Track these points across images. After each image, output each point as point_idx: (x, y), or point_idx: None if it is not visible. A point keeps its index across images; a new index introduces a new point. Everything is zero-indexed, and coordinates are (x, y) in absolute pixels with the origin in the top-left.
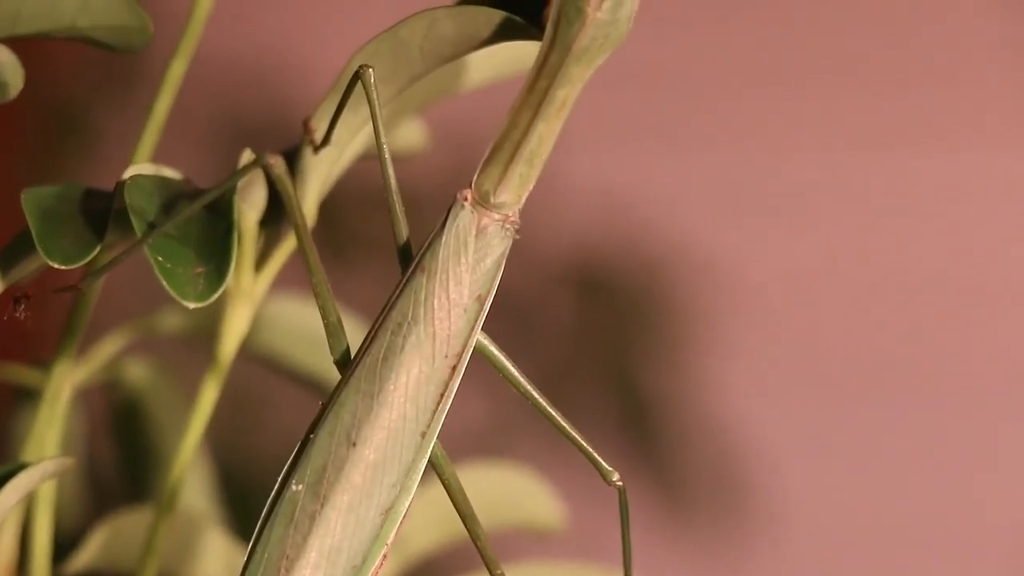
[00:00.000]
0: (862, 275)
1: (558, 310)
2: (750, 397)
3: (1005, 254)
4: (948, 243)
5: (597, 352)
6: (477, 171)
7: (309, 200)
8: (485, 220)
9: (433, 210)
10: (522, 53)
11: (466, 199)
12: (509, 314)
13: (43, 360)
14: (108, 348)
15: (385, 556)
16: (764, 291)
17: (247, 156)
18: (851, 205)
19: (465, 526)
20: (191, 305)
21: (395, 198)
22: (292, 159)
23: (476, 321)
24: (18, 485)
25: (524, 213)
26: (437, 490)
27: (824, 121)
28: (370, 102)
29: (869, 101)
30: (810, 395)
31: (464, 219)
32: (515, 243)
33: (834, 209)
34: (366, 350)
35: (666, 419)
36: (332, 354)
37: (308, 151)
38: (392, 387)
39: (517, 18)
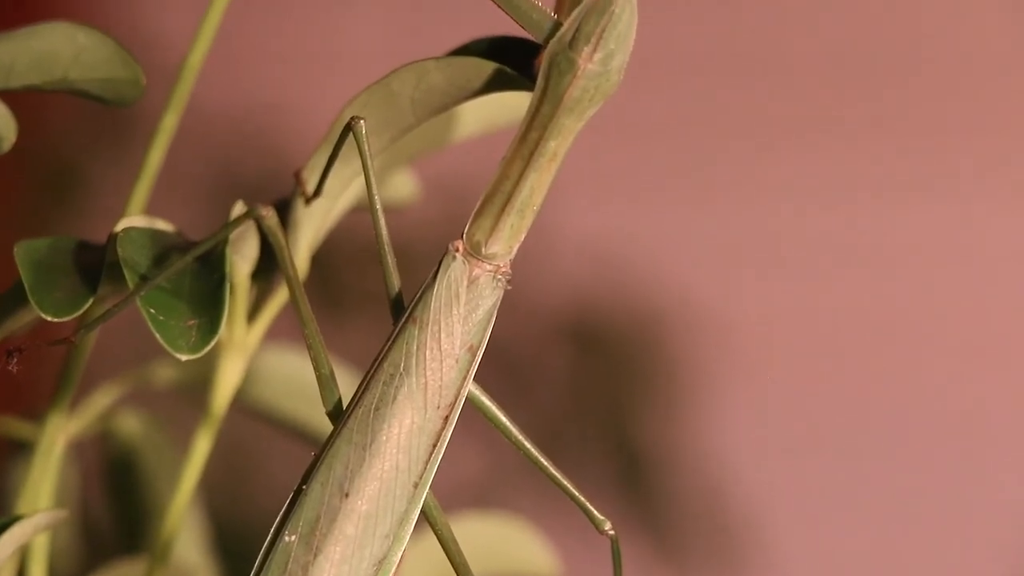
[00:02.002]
0: (857, 328)
1: (551, 361)
2: (743, 448)
3: (1000, 306)
4: (944, 295)
5: (590, 403)
6: (468, 222)
7: (301, 252)
8: (477, 271)
9: (425, 261)
10: (513, 104)
11: (457, 250)
12: (502, 365)
13: (37, 412)
14: (101, 400)
15: None
16: (758, 343)
17: (239, 208)
18: (846, 259)
19: None
20: (184, 357)
21: (387, 249)
22: (284, 211)
23: (468, 371)
24: (12, 537)
25: (517, 264)
26: (430, 540)
27: (819, 175)
28: (361, 154)
29: (861, 156)
30: (804, 447)
31: (456, 270)
32: (508, 294)
33: (830, 263)
34: (358, 401)
35: (659, 469)
36: (324, 405)
37: (300, 203)
38: (384, 438)
39: (508, 69)
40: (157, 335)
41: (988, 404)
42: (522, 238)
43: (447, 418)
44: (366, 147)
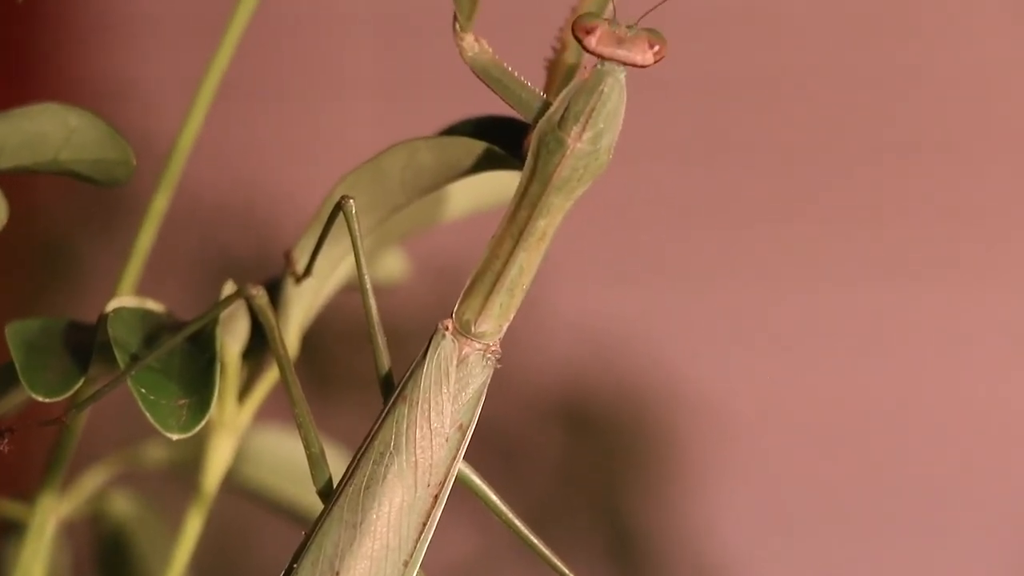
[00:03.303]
0: (849, 409)
1: (542, 440)
2: (735, 527)
3: (990, 387)
4: (936, 376)
5: (582, 482)
6: (458, 301)
7: (291, 331)
8: (466, 349)
9: (415, 340)
10: (502, 183)
11: (447, 328)
12: (493, 444)
13: (28, 493)
14: (93, 480)
15: None
16: (749, 423)
17: (229, 287)
18: (838, 340)
19: None
20: (174, 437)
21: (377, 328)
22: (274, 291)
23: (458, 450)
24: None
25: (508, 343)
26: None
27: (812, 259)
28: (351, 233)
29: (856, 240)
30: (795, 527)
31: (445, 348)
32: (499, 373)
33: (821, 344)
34: (348, 480)
35: (651, 549)
36: (315, 484)
37: (290, 282)
38: (375, 516)
39: (497, 148)
40: (148, 415)
41: (983, 483)
42: (512, 317)
43: (437, 496)
44: (356, 226)
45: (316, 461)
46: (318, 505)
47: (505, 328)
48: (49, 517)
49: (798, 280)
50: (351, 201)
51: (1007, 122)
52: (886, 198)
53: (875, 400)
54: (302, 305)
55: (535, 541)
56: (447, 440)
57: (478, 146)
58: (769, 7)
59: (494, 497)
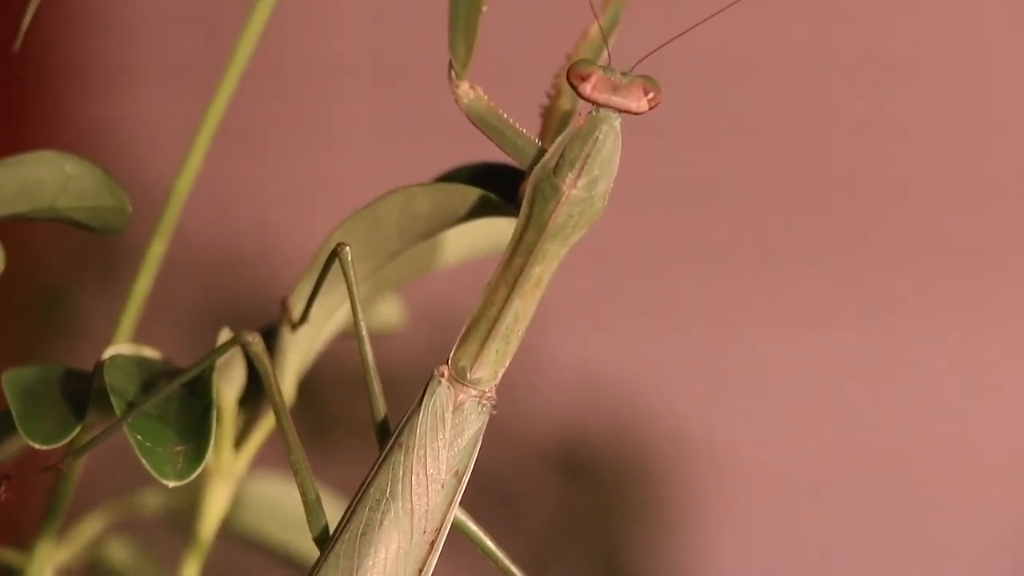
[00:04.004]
0: (852, 458)
1: (539, 487)
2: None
3: (1000, 437)
4: (942, 426)
5: (579, 529)
6: (454, 347)
7: (288, 378)
8: (462, 396)
9: (411, 387)
10: (498, 230)
11: (443, 375)
12: (490, 490)
13: (25, 541)
14: (89, 528)
15: None
16: (748, 471)
17: (225, 335)
18: (841, 388)
19: None
20: (171, 484)
21: (373, 375)
22: (270, 338)
23: (454, 497)
24: None
25: (505, 390)
26: None
27: (812, 303)
28: (347, 280)
29: (855, 284)
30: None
31: (441, 395)
32: (497, 419)
33: (821, 391)
34: (345, 527)
35: None
36: (311, 531)
37: (286, 329)
38: (371, 563)
39: (493, 195)
40: (144, 462)
41: (987, 530)
42: (507, 363)
43: (433, 543)
44: (352, 273)
45: (312, 508)
46: (314, 552)
47: (501, 374)
48: (46, 565)
49: (797, 326)
50: (347, 248)
51: (1006, 169)
52: (887, 244)
53: (877, 446)
54: (298, 352)
55: None
56: (443, 486)
57: (474, 193)
58: (766, 55)
59: (490, 543)
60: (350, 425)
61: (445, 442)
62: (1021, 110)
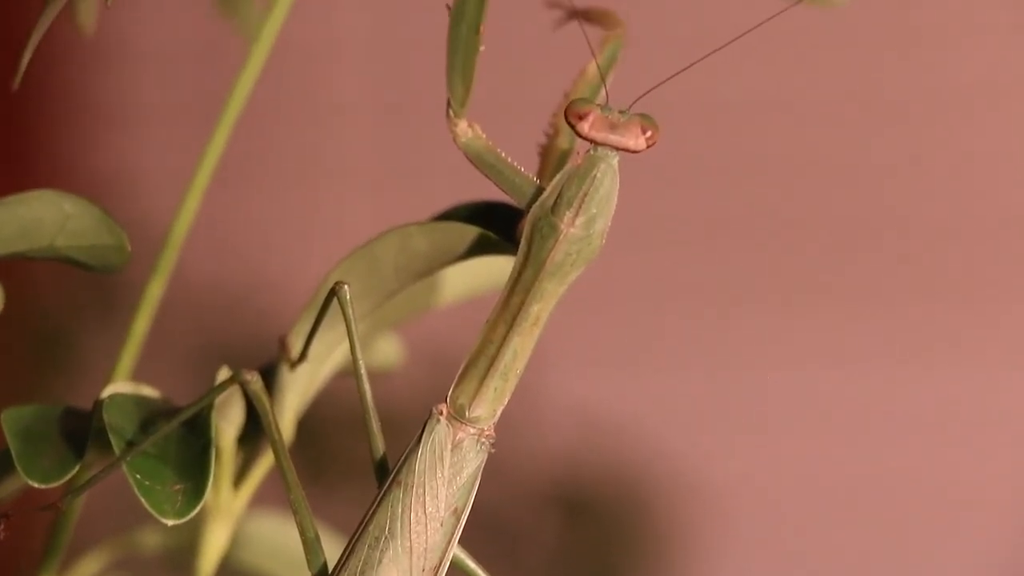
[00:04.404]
0: (850, 494)
1: (539, 525)
2: None
3: (992, 473)
4: (938, 461)
5: (579, 568)
6: (452, 385)
7: (287, 416)
8: (460, 434)
9: (409, 425)
10: (496, 269)
11: (441, 413)
12: (489, 528)
13: None
14: (89, 566)
15: None
16: (749, 509)
17: (224, 373)
18: (841, 425)
19: None
20: (170, 522)
21: (371, 413)
22: (269, 376)
23: (453, 535)
24: None
25: (505, 428)
26: None
27: (810, 341)
28: (346, 318)
29: (853, 322)
30: None
31: (440, 433)
32: (496, 457)
33: (822, 428)
34: (344, 565)
35: None
36: (310, 569)
37: (285, 368)
38: None
39: (491, 234)
40: (143, 500)
41: (984, 565)
42: (506, 401)
43: None
44: (350, 312)
45: (311, 546)
46: None
47: (499, 412)
48: None
49: (796, 364)
50: (345, 287)
51: (1008, 208)
52: (885, 281)
53: (876, 484)
54: (297, 390)
55: None
56: (442, 524)
57: (472, 231)
58: (764, 93)
59: None
60: (349, 463)
61: (444, 480)
62: (1019, 147)
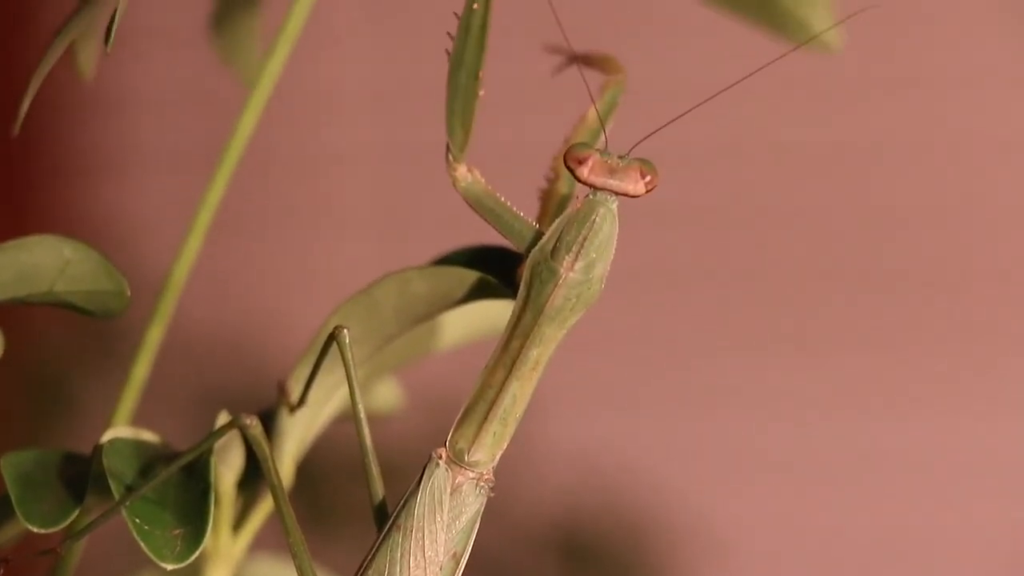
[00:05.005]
0: (856, 541)
1: (539, 570)
2: None
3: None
4: (947, 511)
5: None
6: (452, 429)
7: (286, 461)
8: (460, 478)
9: (409, 469)
10: (495, 313)
11: (441, 457)
12: (489, 573)
13: None
14: None
15: None
16: (751, 553)
17: (223, 418)
18: (843, 471)
19: None
20: (169, 567)
21: (371, 458)
22: (269, 421)
23: None
24: None
25: (505, 472)
26: None
27: (811, 386)
28: (345, 363)
29: (855, 368)
30: None
31: (439, 477)
32: (496, 501)
33: (826, 474)
34: None
35: None
36: None
37: (284, 412)
38: None
39: (490, 278)
40: (142, 544)
41: None
42: (505, 446)
43: None
44: (350, 356)
45: None
46: None
47: (499, 457)
48: None
49: (796, 407)
50: (345, 331)
51: (1005, 256)
52: (885, 328)
53: (877, 528)
54: (296, 435)
55: None
56: (441, 569)
57: (471, 276)
58: (764, 136)
59: None
60: (348, 507)
61: (443, 524)
62: (1014, 197)
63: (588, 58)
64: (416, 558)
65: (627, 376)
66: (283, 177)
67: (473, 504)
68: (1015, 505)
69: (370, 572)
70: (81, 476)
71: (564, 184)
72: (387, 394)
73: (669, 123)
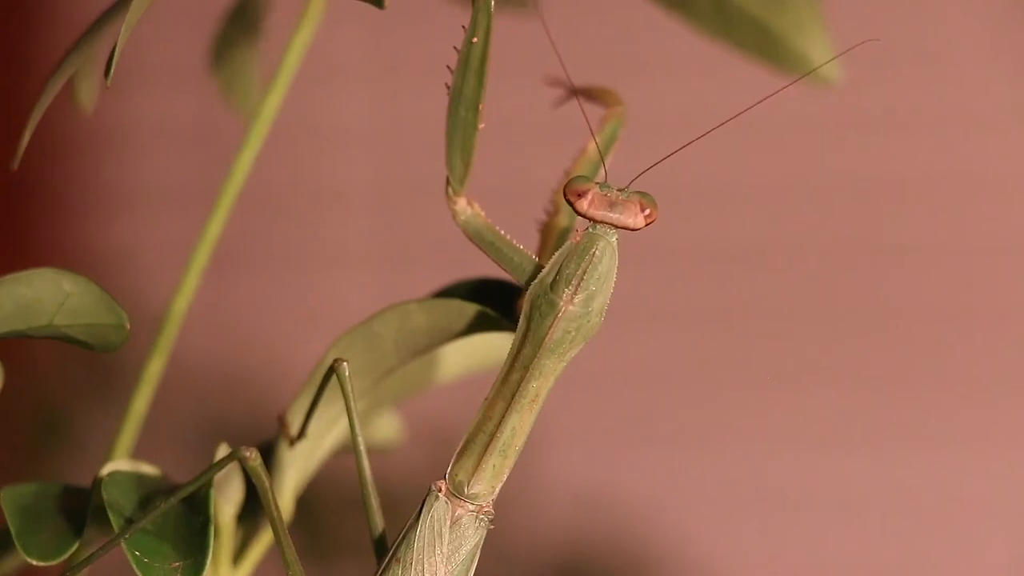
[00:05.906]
0: (850, 573)
1: None
2: None
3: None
4: (945, 545)
5: None
6: (451, 462)
7: (286, 494)
8: (459, 511)
9: (408, 502)
10: (495, 346)
11: (440, 490)
12: None
13: None
14: None
15: None
16: None
17: (223, 450)
18: (845, 506)
19: None
20: None
21: (370, 490)
22: (268, 453)
23: None
24: None
25: (505, 505)
26: None
27: (814, 422)
28: (345, 396)
29: (858, 405)
30: None
31: (438, 510)
32: (497, 535)
33: (828, 510)
34: None
35: None
36: None
37: (284, 445)
38: None
39: (490, 311)
40: None
41: None
42: (504, 478)
43: None
44: (349, 389)
45: None
46: None
47: (498, 489)
48: None
49: (797, 445)
50: (344, 364)
51: (1006, 292)
52: (889, 365)
53: (879, 565)
54: (296, 468)
55: None
56: None
57: (471, 308)
58: (764, 170)
59: None
60: (348, 540)
61: (443, 557)
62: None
63: (588, 91)
64: None
65: (627, 410)
66: (283, 210)
67: (473, 537)
68: (1015, 540)
69: None
70: (81, 509)
71: (564, 217)
72: (387, 427)
73: (669, 156)
